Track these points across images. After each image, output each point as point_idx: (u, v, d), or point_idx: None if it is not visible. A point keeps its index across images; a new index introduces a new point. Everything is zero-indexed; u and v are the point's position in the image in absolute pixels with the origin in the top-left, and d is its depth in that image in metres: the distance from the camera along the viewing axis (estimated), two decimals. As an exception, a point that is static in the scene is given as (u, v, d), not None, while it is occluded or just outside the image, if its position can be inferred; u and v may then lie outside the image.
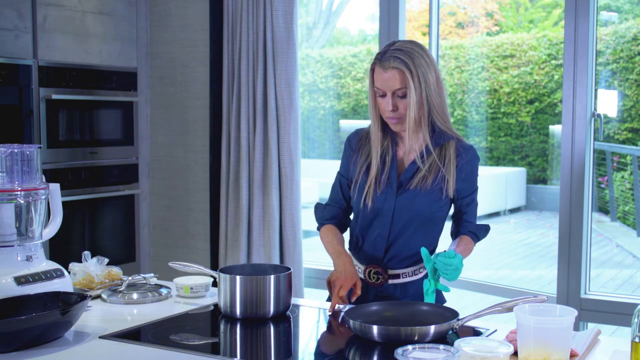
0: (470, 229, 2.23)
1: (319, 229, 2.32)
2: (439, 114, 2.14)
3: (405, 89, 2.08)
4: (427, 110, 2.12)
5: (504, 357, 1.48)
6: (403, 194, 2.15)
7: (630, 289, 5.60)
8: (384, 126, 2.20)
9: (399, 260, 2.19)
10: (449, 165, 2.15)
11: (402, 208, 2.15)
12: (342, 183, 2.29)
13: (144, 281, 2.28)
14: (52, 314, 1.76)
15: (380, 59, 2.10)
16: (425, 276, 2.22)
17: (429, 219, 2.17)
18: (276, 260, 3.74)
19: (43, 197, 2.03)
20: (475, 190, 2.24)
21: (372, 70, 2.14)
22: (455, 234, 2.27)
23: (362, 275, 2.21)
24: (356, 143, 2.27)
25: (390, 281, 2.19)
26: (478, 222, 2.27)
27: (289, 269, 2.07)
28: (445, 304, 2.25)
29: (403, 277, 2.19)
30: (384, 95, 2.12)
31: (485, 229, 2.27)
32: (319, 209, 2.33)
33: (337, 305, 2.07)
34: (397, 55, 2.07)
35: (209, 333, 1.97)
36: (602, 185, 6.02)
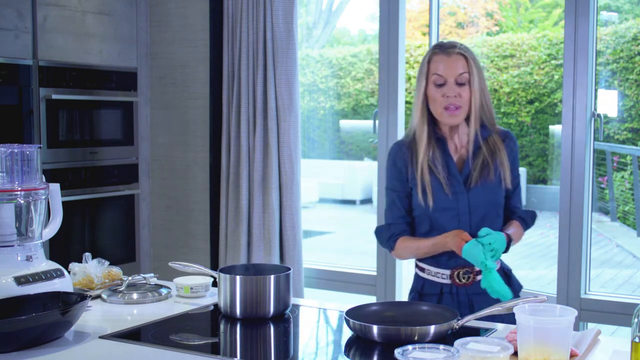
0: (519, 214, 2.26)
1: (392, 247, 2.27)
2: (487, 110, 2.21)
3: (467, 74, 2.13)
4: (482, 103, 2.19)
5: (504, 357, 1.48)
6: (472, 189, 2.17)
7: (630, 289, 5.60)
8: (430, 125, 2.20)
9: None
10: (500, 154, 2.20)
11: (476, 202, 2.16)
12: (400, 197, 2.25)
13: (144, 281, 2.28)
14: (52, 314, 1.76)
15: (442, 47, 2.16)
16: (499, 266, 2.24)
17: (500, 207, 2.20)
18: (276, 260, 3.73)
19: (43, 197, 2.03)
20: (519, 174, 2.27)
21: (429, 61, 2.16)
22: (504, 221, 2.26)
23: (448, 280, 2.19)
24: (406, 152, 2.24)
25: (479, 278, 2.17)
26: None
27: (289, 269, 2.07)
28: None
29: None
30: (442, 84, 2.14)
31: (532, 215, 2.28)
32: (383, 231, 2.29)
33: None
34: (457, 44, 2.17)
35: (209, 333, 1.97)
36: (602, 185, 6.02)
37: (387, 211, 2.29)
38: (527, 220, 2.26)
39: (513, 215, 2.25)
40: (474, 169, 2.18)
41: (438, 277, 2.21)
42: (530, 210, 2.29)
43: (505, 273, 2.27)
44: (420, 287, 2.27)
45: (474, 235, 2.10)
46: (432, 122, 2.22)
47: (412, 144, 2.23)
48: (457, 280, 2.18)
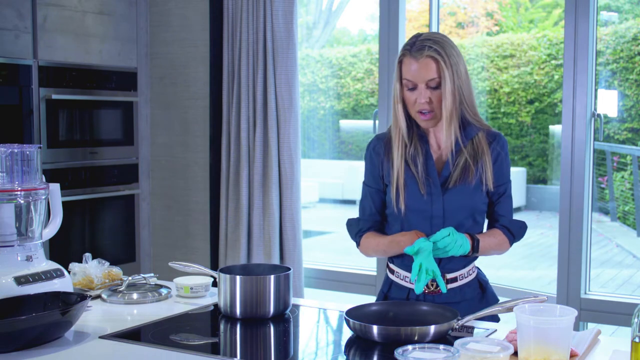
0: (503, 223, 2.10)
1: (358, 243, 2.18)
2: (468, 106, 2.05)
3: (439, 78, 1.99)
4: (459, 102, 2.02)
5: (504, 357, 1.48)
6: (449, 191, 2.04)
7: (630, 289, 5.59)
8: (409, 124, 2.08)
9: (455, 262, 2.07)
10: (484, 156, 2.06)
11: (452, 206, 2.04)
12: (372, 193, 2.16)
13: (144, 281, 2.28)
14: (52, 314, 1.76)
15: (411, 50, 2.00)
16: (475, 276, 2.13)
17: (479, 213, 2.08)
18: (276, 260, 3.74)
19: (43, 197, 2.03)
20: (508, 181, 2.12)
21: (400, 62, 2.03)
22: (488, 229, 2.14)
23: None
24: (382, 148, 2.14)
25: (448, 285, 2.07)
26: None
27: (289, 269, 2.07)
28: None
29: (460, 280, 2.10)
30: (413, 88, 2.02)
31: (521, 226, 2.12)
32: (353, 224, 2.20)
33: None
34: (428, 44, 1.98)
35: (209, 333, 1.97)
36: (602, 185, 6.02)
37: (360, 205, 2.20)
38: (513, 230, 2.10)
39: (496, 223, 2.10)
40: (453, 171, 2.05)
41: (406, 282, 2.10)
42: (520, 220, 2.12)
43: (481, 284, 2.15)
44: (387, 290, 2.17)
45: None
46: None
47: (390, 139, 2.12)
48: (426, 288, 2.06)
